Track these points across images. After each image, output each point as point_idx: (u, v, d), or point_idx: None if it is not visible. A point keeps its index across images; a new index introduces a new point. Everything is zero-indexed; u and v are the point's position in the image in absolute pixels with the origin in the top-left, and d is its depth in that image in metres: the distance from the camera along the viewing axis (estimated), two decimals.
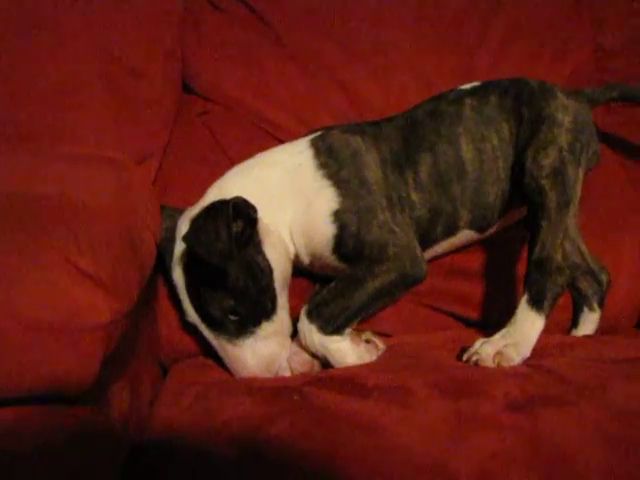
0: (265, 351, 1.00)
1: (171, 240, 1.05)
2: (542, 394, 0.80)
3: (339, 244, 1.04)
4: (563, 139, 1.08)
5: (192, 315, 1.01)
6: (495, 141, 1.14)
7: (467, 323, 1.24)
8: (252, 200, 0.99)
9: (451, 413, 0.76)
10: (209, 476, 0.73)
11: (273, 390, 0.87)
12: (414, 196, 1.11)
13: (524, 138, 1.11)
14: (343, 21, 1.40)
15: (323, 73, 1.37)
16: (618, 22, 1.46)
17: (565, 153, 1.07)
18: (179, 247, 1.01)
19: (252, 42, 1.37)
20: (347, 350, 0.99)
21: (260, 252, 1.02)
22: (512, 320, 1.00)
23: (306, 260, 1.10)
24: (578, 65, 1.44)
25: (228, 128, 1.32)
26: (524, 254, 1.17)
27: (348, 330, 1.00)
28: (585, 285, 1.22)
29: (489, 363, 0.93)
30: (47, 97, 1.10)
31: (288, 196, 1.07)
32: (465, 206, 1.13)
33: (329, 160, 1.08)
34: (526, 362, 0.95)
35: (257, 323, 0.99)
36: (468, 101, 1.17)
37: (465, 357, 0.97)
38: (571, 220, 1.07)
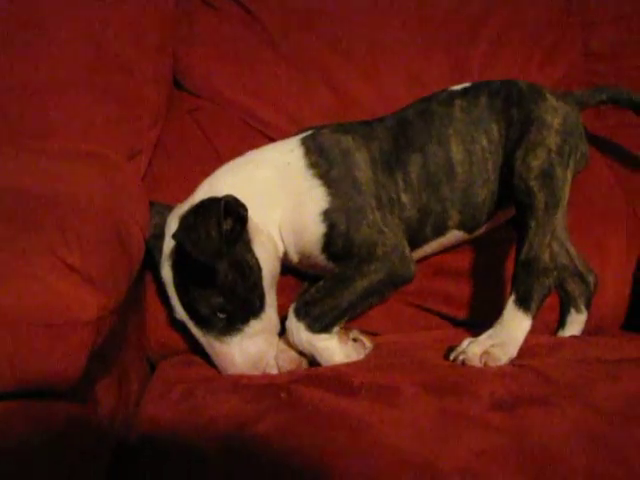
0: (253, 349, 1.00)
1: (160, 237, 1.04)
2: (528, 394, 0.80)
3: (328, 243, 1.04)
4: (552, 141, 1.09)
5: (180, 312, 1.01)
6: (484, 142, 1.14)
7: (455, 323, 1.24)
8: (242, 198, 0.99)
9: (437, 412, 0.77)
10: (195, 473, 0.73)
11: (260, 388, 0.87)
12: (404, 197, 1.11)
13: (513, 139, 1.11)
14: (335, 21, 1.40)
15: (314, 72, 1.37)
16: (607, 25, 1.47)
17: (554, 155, 1.07)
18: (168, 244, 1.01)
19: (244, 40, 1.37)
20: (335, 348, 0.99)
21: (249, 250, 1.02)
22: (499, 320, 1.00)
23: (295, 258, 1.10)
24: (568, 68, 1.45)
25: (218, 125, 1.32)
26: (512, 255, 1.18)
27: (336, 329, 1.00)
28: (572, 286, 1.22)
29: (476, 362, 0.94)
30: (35, 93, 1.10)
31: (278, 195, 1.07)
32: (454, 207, 1.14)
33: (319, 159, 1.08)
34: (513, 362, 0.95)
35: (245, 321, 0.99)
36: (458, 102, 1.17)
37: (452, 356, 0.97)
38: (559, 221, 1.08)
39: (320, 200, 1.05)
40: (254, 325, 1.00)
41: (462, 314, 1.24)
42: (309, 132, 1.15)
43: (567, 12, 1.48)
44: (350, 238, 1.03)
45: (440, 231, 1.15)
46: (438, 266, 1.24)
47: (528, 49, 1.44)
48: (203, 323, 0.99)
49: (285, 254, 1.09)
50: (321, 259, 1.07)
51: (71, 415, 0.65)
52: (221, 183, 1.06)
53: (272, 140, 1.28)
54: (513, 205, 1.11)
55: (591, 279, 1.23)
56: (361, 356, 1.01)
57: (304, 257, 1.09)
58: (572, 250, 1.23)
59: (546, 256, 1.01)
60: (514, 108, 1.13)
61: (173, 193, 1.15)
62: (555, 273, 1.03)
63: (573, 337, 1.19)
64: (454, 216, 1.14)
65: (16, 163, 0.79)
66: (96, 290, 0.61)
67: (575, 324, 1.22)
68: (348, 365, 0.97)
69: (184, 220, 0.96)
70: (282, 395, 0.83)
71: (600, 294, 1.24)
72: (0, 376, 0.57)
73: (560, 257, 1.20)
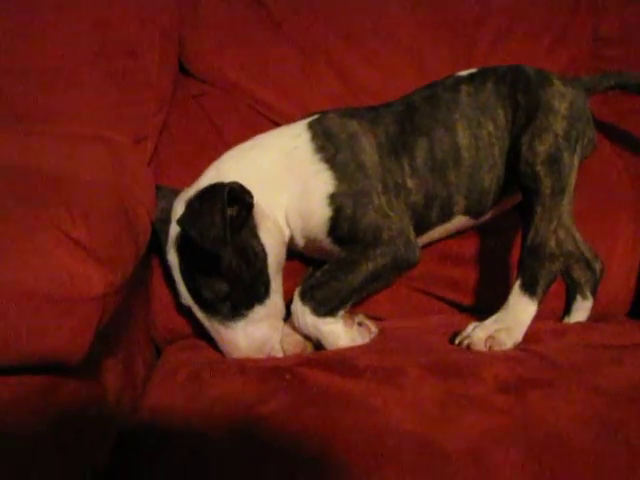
0: (257, 334, 1.00)
1: (167, 221, 1.04)
2: (532, 377, 0.81)
3: (334, 227, 1.04)
4: (559, 126, 1.08)
5: (186, 297, 1.02)
6: (491, 127, 1.14)
7: (460, 308, 1.24)
8: (248, 183, 0.99)
9: (442, 394, 0.77)
10: (200, 454, 0.73)
11: (265, 370, 0.87)
12: (409, 182, 1.11)
13: (520, 125, 1.11)
14: (342, 5, 1.39)
15: (321, 57, 1.36)
16: (617, 10, 1.45)
17: (561, 140, 1.07)
18: (174, 228, 1.01)
19: (250, 25, 1.36)
20: (340, 332, 0.99)
21: (255, 236, 1.02)
22: (505, 305, 1.00)
23: (301, 243, 1.10)
24: (576, 53, 1.44)
25: (224, 110, 1.32)
26: (518, 241, 1.18)
27: (341, 312, 1.00)
28: (578, 273, 1.22)
29: (481, 347, 0.94)
30: (39, 78, 1.10)
31: (284, 179, 1.07)
32: (460, 192, 1.13)
33: (326, 143, 1.08)
34: (518, 347, 0.95)
35: (250, 307, 1.00)
36: (464, 87, 1.17)
37: (457, 341, 0.98)
38: (565, 207, 1.08)
39: (327, 184, 1.04)
40: (258, 311, 1.01)
41: (468, 300, 1.24)
42: (315, 116, 1.14)
43: None
44: (356, 222, 1.03)
45: (446, 216, 1.15)
46: (444, 252, 1.24)
47: (536, 34, 1.43)
48: (208, 308, 1.00)
49: (291, 238, 1.09)
50: (327, 243, 1.07)
51: (76, 392, 0.66)
52: (227, 168, 1.06)
53: (277, 125, 1.27)
54: (519, 191, 1.10)
55: (597, 266, 1.23)
56: (366, 340, 1.02)
57: (310, 241, 1.09)
58: (578, 237, 1.22)
59: (552, 242, 1.01)
60: (521, 93, 1.13)
61: (178, 177, 1.16)
62: (561, 259, 1.02)
63: (578, 323, 1.19)
64: (460, 201, 1.14)
65: (22, 143, 0.79)
66: (102, 266, 0.61)
67: (581, 311, 1.22)
68: (353, 348, 0.97)
69: (189, 206, 0.96)
70: (287, 377, 0.83)
71: (606, 281, 1.24)
72: (5, 350, 0.57)
73: (566, 244, 1.19)
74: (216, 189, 0.94)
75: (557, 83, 1.14)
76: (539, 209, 1.03)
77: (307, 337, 1.01)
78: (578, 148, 1.11)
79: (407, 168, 1.11)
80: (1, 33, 1.11)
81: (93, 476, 0.70)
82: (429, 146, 1.12)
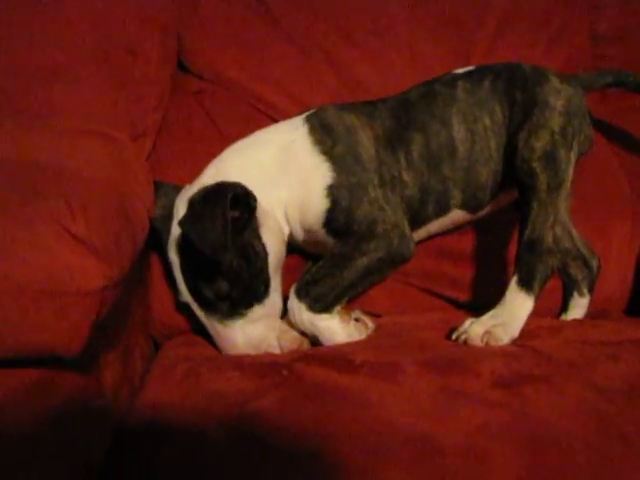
0: (255, 333, 1.01)
1: (168, 218, 1.04)
2: (529, 372, 0.81)
3: (330, 218, 1.04)
4: (555, 122, 1.08)
5: (185, 295, 1.02)
6: (487, 122, 1.14)
7: (457, 305, 1.25)
8: (249, 181, 0.99)
9: (438, 389, 0.77)
10: (197, 449, 0.74)
11: (262, 366, 0.88)
12: (405, 175, 1.12)
13: (517, 121, 1.11)
14: (341, 3, 1.40)
15: (319, 54, 1.36)
16: (614, 9, 1.46)
17: (557, 137, 1.07)
18: (176, 227, 1.00)
19: (249, 22, 1.36)
20: (336, 328, 1.00)
21: (257, 236, 1.02)
22: (502, 301, 1.01)
23: (300, 236, 1.10)
24: (574, 51, 1.44)
25: (222, 107, 1.32)
26: (515, 237, 1.17)
27: (337, 308, 1.01)
28: (575, 270, 1.22)
29: (477, 342, 0.94)
30: (38, 74, 1.09)
31: (283, 174, 1.07)
32: (457, 185, 1.14)
33: (324, 136, 1.08)
34: (514, 342, 0.96)
35: (249, 306, 1.00)
36: (461, 84, 1.17)
37: (454, 336, 0.98)
38: (562, 204, 1.08)
39: (325, 176, 1.05)
40: (257, 310, 1.01)
41: (465, 296, 1.24)
42: (312, 110, 1.15)
43: None
44: (352, 214, 1.03)
45: (442, 210, 1.15)
46: (441, 248, 1.24)
47: (534, 32, 1.43)
48: (207, 307, 1.00)
49: (290, 234, 1.10)
50: (321, 234, 1.07)
51: (73, 386, 0.66)
52: (228, 166, 1.07)
53: (276, 121, 1.27)
54: (516, 187, 1.11)
55: (594, 263, 1.23)
56: (363, 336, 1.02)
57: (307, 233, 1.09)
58: (575, 234, 1.23)
59: (549, 237, 1.01)
60: (517, 90, 1.13)
61: (177, 174, 1.16)
62: (558, 255, 1.03)
63: (575, 320, 1.19)
64: (456, 195, 1.15)
65: (21, 137, 0.79)
66: (100, 260, 0.61)
67: (578, 308, 1.22)
68: (349, 344, 0.97)
69: (191, 207, 0.96)
70: (284, 372, 0.84)
71: (603, 278, 1.24)
72: (2, 342, 0.58)
73: (563, 241, 1.20)
74: (219, 192, 0.94)
75: (554, 80, 1.14)
76: (535, 205, 1.03)
77: (304, 333, 1.01)
78: (575, 144, 1.11)
79: (403, 161, 1.12)
80: (1, 28, 1.11)
81: (90, 472, 0.70)
82: (425, 140, 1.13)
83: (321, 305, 0.99)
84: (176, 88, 1.33)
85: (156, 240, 1.08)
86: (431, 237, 1.22)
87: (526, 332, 0.98)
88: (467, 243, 1.25)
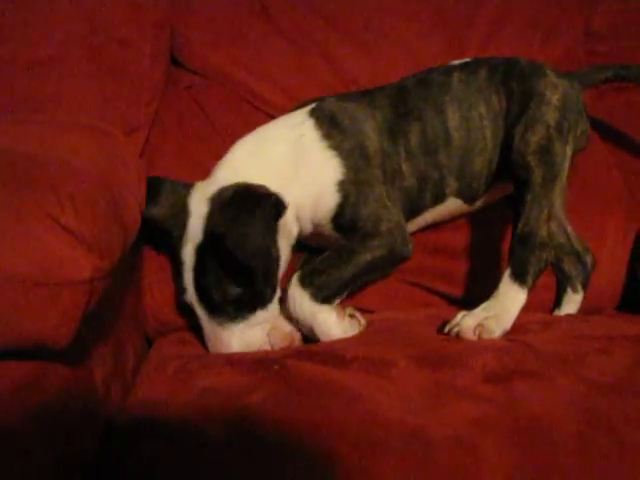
0: (251, 339, 1.00)
1: (179, 216, 1.01)
2: (520, 367, 0.81)
3: (338, 214, 1.05)
4: (551, 117, 1.09)
5: (191, 295, 1.00)
6: (483, 110, 1.15)
7: (449, 300, 1.25)
8: (267, 182, 1.00)
9: (429, 383, 0.77)
10: (189, 445, 0.73)
11: (254, 361, 0.87)
12: (404, 166, 1.12)
13: (514, 113, 1.12)
14: None
15: (312, 49, 1.36)
16: (608, 5, 1.46)
17: (552, 131, 1.08)
18: (195, 225, 0.99)
19: (242, 17, 1.36)
20: (332, 322, 0.99)
21: (275, 243, 1.01)
22: (495, 293, 1.01)
23: (306, 232, 1.10)
24: (568, 48, 1.44)
25: (216, 101, 1.31)
26: (508, 233, 1.18)
27: (336, 301, 1.01)
28: (569, 266, 1.22)
29: (469, 335, 0.94)
30: (29, 70, 1.09)
31: (294, 170, 1.06)
32: (452, 174, 1.14)
33: (332, 131, 1.08)
34: (506, 337, 0.96)
35: (252, 310, 1.00)
36: (457, 74, 1.18)
37: (447, 329, 0.98)
38: (557, 198, 1.08)
39: (335, 171, 1.06)
40: (260, 315, 1.01)
41: (457, 291, 1.24)
42: (313, 104, 1.14)
43: None
44: (358, 210, 1.04)
45: (439, 198, 1.16)
46: (434, 243, 1.24)
47: (528, 29, 1.43)
48: (212, 309, 0.99)
49: (299, 232, 1.10)
50: (328, 228, 1.08)
51: (63, 380, 0.65)
52: (243, 165, 1.05)
53: (270, 115, 1.27)
54: (511, 180, 1.11)
55: (589, 259, 1.23)
56: (356, 332, 1.02)
57: (314, 228, 1.10)
58: (570, 230, 1.23)
59: (543, 231, 1.02)
60: (514, 82, 1.14)
61: (170, 168, 1.16)
62: (552, 249, 1.03)
63: (567, 315, 1.19)
64: (451, 183, 1.15)
65: (10, 129, 0.78)
66: (89, 251, 0.61)
67: (571, 304, 1.22)
68: (341, 340, 0.97)
69: (226, 210, 0.95)
70: (275, 368, 0.84)
71: (596, 274, 1.24)
72: None
73: (558, 236, 1.20)
74: (260, 199, 0.95)
75: (550, 74, 1.15)
76: (529, 198, 1.03)
77: (297, 326, 1.01)
78: (570, 139, 1.12)
79: (402, 152, 1.12)
80: None
81: (81, 468, 0.70)
82: (421, 128, 1.13)
83: (324, 295, 0.99)
84: (169, 83, 1.33)
85: (151, 236, 1.07)
86: (424, 232, 1.22)
87: (518, 326, 0.98)
88: (460, 238, 1.25)
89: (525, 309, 1.00)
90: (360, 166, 1.06)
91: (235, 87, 1.33)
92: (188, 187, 1.05)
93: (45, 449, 0.62)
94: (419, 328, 1.03)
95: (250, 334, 1.00)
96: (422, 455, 0.67)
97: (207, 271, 0.98)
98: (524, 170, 1.06)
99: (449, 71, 1.19)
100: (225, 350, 0.99)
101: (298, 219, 1.08)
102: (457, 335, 0.95)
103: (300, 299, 0.99)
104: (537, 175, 1.04)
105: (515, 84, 1.13)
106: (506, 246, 1.18)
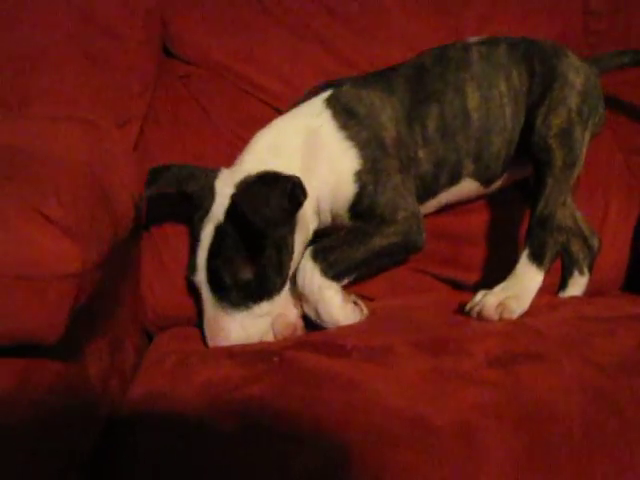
0: (252, 330, 0.99)
1: (206, 197, 1.02)
2: (524, 351, 0.80)
3: (356, 202, 1.05)
4: (573, 100, 1.08)
5: (200, 274, 1.00)
6: (503, 88, 1.13)
7: (453, 285, 1.24)
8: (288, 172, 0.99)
9: (431, 370, 0.77)
10: (189, 437, 0.73)
11: (253, 353, 0.87)
12: (421, 153, 1.11)
13: (537, 93, 1.11)
14: None
15: (308, 35, 1.33)
16: None
17: (574, 115, 1.08)
18: (219, 205, 1.00)
19: (237, 4, 1.33)
20: (338, 304, 0.99)
21: (292, 233, 1.02)
22: (512, 274, 1.01)
23: (328, 220, 1.10)
24: (566, 28, 1.42)
25: (210, 91, 1.29)
26: (513, 218, 1.18)
27: (345, 281, 1.01)
28: (576, 249, 1.22)
29: (492, 313, 0.94)
30: (18, 62, 1.07)
31: (313, 162, 1.06)
32: (469, 155, 1.13)
33: (349, 121, 1.08)
34: (510, 320, 0.94)
35: (258, 300, 0.99)
36: (476, 48, 1.17)
37: (467, 308, 0.98)
38: (573, 182, 1.08)
39: (353, 161, 1.06)
40: (264, 306, 1.00)
41: (461, 277, 1.23)
42: (328, 92, 1.12)
43: None
44: (376, 199, 1.04)
45: (454, 179, 1.15)
46: (438, 229, 1.22)
47: (524, 10, 1.41)
48: (218, 291, 0.99)
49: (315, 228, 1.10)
50: (345, 218, 1.08)
51: (56, 375, 0.64)
52: (266, 156, 1.05)
53: (267, 104, 1.27)
54: (530, 162, 1.10)
55: (595, 242, 1.24)
56: (357, 319, 1.01)
57: (333, 219, 1.10)
58: (577, 213, 1.23)
59: (560, 214, 1.02)
60: (536, 61, 1.13)
61: (165, 160, 1.13)
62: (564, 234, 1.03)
63: (573, 297, 1.19)
64: (468, 165, 1.14)
65: None
66: (75, 242, 0.59)
67: (577, 286, 1.22)
68: (341, 329, 0.97)
69: (247, 186, 0.97)
70: (275, 359, 0.83)
71: (600, 256, 1.24)
72: None
73: (566, 219, 1.19)
74: (280, 178, 0.96)
75: (572, 56, 1.14)
76: (550, 181, 1.03)
77: (301, 305, 1.01)
78: (590, 124, 1.12)
79: (419, 139, 1.12)
80: None
81: (78, 463, 0.69)
82: (440, 111, 1.12)
83: (334, 271, 0.99)
84: (162, 73, 1.30)
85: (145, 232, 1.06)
86: (429, 217, 1.20)
87: None
88: (464, 224, 1.24)
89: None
90: (377, 156, 1.06)
91: (229, 75, 1.31)
92: (216, 172, 1.06)
93: (39, 446, 0.62)
94: (420, 314, 1.03)
95: (251, 325, 0.99)
96: (424, 441, 0.66)
97: (222, 250, 0.98)
98: (545, 152, 1.05)
99: (468, 46, 1.17)
100: (223, 339, 0.98)
101: (317, 212, 1.08)
102: (478, 314, 0.95)
103: (310, 272, 0.98)
104: (558, 158, 1.04)
105: (537, 63, 1.12)
106: (510, 231, 1.18)
